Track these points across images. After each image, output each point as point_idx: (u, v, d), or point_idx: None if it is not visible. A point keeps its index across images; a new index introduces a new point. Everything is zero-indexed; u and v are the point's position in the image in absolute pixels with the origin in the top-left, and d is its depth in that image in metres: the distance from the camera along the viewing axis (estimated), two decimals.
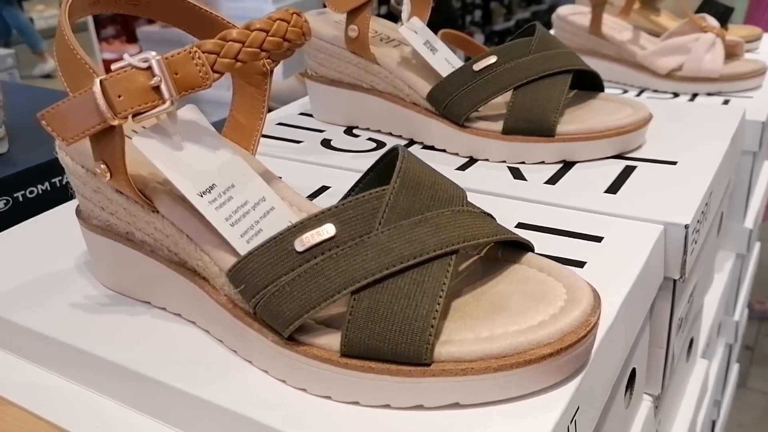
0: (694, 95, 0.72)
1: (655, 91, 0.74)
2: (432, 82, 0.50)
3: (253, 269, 0.29)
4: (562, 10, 0.82)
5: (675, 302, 0.42)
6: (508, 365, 0.26)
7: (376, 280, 0.27)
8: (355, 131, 0.57)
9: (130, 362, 0.32)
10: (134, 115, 0.29)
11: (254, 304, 0.29)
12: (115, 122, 0.29)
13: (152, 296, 0.36)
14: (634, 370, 0.40)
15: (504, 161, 0.48)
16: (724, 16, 0.82)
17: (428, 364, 0.26)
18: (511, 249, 0.32)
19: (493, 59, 0.46)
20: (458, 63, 0.50)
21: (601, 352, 0.30)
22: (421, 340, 0.26)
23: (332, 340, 0.28)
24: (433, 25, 0.52)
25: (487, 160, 0.49)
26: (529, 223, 0.40)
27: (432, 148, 0.52)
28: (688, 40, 0.73)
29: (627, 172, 0.46)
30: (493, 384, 0.27)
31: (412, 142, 0.53)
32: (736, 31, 0.86)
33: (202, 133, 0.33)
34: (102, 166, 0.31)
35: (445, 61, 0.51)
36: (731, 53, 0.74)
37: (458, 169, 0.48)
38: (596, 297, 0.29)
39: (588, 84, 0.52)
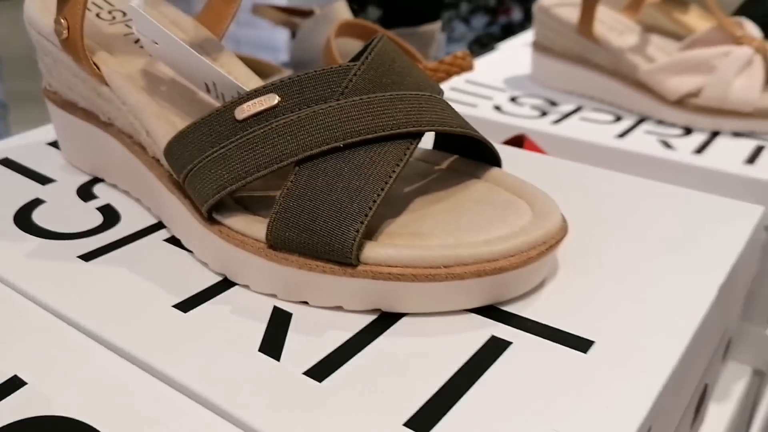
0: (715, 133, 0.57)
1: (660, 122, 0.59)
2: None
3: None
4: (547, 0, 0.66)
5: None
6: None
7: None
8: (97, 188, 0.36)
9: None
10: None
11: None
12: None
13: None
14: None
15: (274, 295, 0.28)
16: None
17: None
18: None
19: (272, 100, 0.26)
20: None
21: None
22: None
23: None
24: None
25: (248, 287, 0.28)
26: None
27: (181, 244, 0.31)
28: (714, 54, 0.56)
29: (488, 353, 0.25)
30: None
31: (161, 225, 0.33)
32: None
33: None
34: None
35: (212, 85, 0.31)
36: None
37: (177, 306, 0.27)
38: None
39: (481, 149, 0.31)
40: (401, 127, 0.27)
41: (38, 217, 0.34)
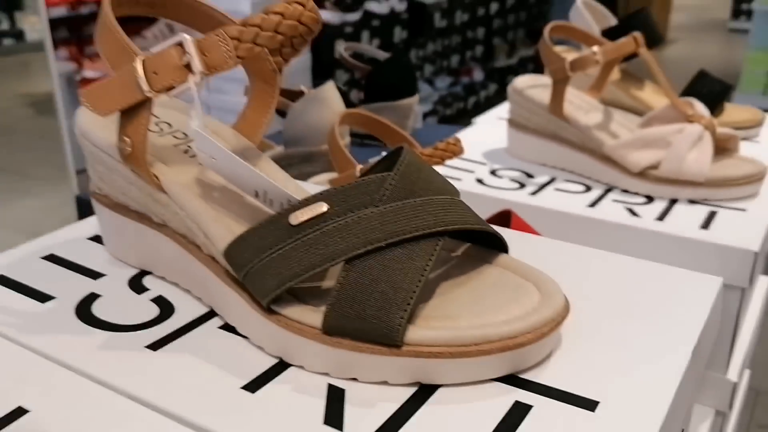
0: (673, 200, 0.65)
1: (625, 191, 0.67)
2: (242, 228, 0.34)
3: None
4: (520, 82, 0.74)
5: None
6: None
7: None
8: (146, 280, 0.42)
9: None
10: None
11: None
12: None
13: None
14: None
15: (327, 373, 0.33)
16: (720, 96, 0.75)
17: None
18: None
19: (321, 207, 0.32)
20: (293, 196, 0.35)
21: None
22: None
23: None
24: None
25: (302, 367, 0.33)
26: None
27: (235, 330, 0.36)
28: (669, 131, 0.64)
29: (515, 415, 0.30)
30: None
31: (213, 313, 0.38)
32: (734, 114, 0.79)
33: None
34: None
35: (263, 192, 0.36)
36: (723, 148, 0.65)
37: (245, 387, 0.32)
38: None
39: (488, 237, 0.37)
40: (431, 227, 0.32)
41: (98, 310, 0.38)
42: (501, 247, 0.37)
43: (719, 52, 4.53)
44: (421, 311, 0.33)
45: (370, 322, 0.31)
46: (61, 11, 3.20)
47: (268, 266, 0.32)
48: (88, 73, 3.18)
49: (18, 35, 3.77)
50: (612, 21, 0.85)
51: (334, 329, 0.32)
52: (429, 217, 0.33)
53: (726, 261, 0.57)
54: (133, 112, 0.36)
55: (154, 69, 0.34)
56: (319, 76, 2.14)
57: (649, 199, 0.66)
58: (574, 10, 0.85)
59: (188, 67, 0.34)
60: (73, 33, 3.48)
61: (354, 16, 2.66)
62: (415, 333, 0.31)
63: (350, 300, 0.31)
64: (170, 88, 0.35)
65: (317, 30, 0.36)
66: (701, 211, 0.62)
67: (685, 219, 0.62)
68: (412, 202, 0.33)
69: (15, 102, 3.12)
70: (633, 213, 0.64)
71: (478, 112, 0.98)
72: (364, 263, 0.32)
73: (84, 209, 0.52)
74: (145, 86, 0.34)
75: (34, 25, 4.16)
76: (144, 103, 0.35)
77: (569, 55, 0.69)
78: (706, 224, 0.61)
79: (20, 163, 2.44)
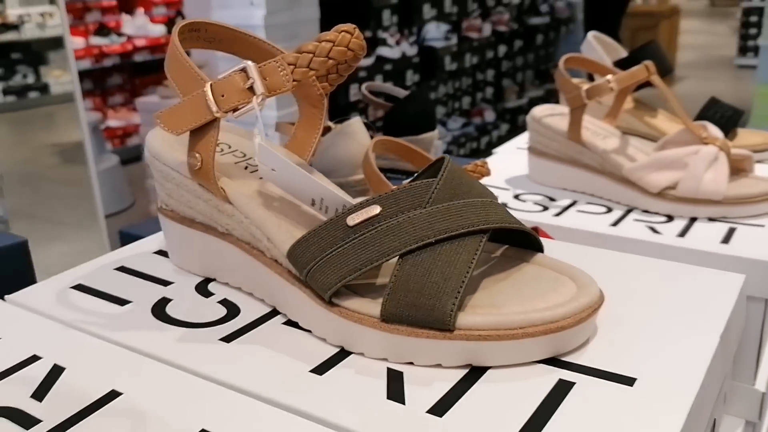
0: (693, 219, 0.67)
1: (645, 211, 0.69)
2: (301, 233, 0.38)
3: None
4: (538, 111, 0.77)
5: None
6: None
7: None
8: (210, 286, 0.46)
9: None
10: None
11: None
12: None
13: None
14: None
15: (385, 359, 0.37)
16: (732, 121, 0.77)
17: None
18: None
19: (375, 210, 0.36)
20: (345, 202, 0.40)
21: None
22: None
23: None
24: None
25: (362, 354, 0.37)
26: None
27: (297, 325, 0.40)
28: (685, 153, 0.67)
29: (559, 391, 0.34)
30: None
31: (275, 312, 0.42)
32: (747, 138, 0.81)
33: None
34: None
35: (320, 200, 0.40)
36: (738, 168, 0.67)
37: (313, 371, 0.36)
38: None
39: (523, 239, 0.41)
40: (475, 225, 0.36)
41: (171, 311, 0.42)
42: (536, 247, 0.41)
43: (727, 88, 4.60)
44: (469, 301, 0.36)
45: (424, 309, 0.34)
46: (85, 64, 3.33)
47: (329, 264, 0.36)
48: (112, 122, 3.30)
49: (43, 88, 3.90)
50: (622, 53, 0.90)
51: (391, 317, 0.35)
52: (473, 217, 0.36)
53: (748, 273, 0.59)
54: (202, 131, 0.40)
55: (222, 92, 0.39)
56: (334, 119, 2.21)
57: (669, 218, 0.69)
58: (585, 43, 0.89)
59: (251, 89, 0.38)
60: (97, 85, 3.61)
61: (367, 61, 2.74)
62: (465, 319, 0.34)
63: (405, 290, 0.35)
64: (235, 109, 0.39)
65: (362, 56, 0.41)
66: (721, 228, 0.65)
67: (706, 235, 0.64)
68: (456, 204, 0.37)
69: (41, 152, 3.21)
70: (654, 231, 0.67)
71: (490, 151, 1.02)
72: (417, 257, 0.35)
73: (126, 242, 0.56)
74: (214, 107, 0.39)
75: (58, 78, 4.29)
76: (212, 123, 0.40)
77: (584, 85, 0.73)
78: (726, 239, 0.63)
79: (49, 210, 2.51)
